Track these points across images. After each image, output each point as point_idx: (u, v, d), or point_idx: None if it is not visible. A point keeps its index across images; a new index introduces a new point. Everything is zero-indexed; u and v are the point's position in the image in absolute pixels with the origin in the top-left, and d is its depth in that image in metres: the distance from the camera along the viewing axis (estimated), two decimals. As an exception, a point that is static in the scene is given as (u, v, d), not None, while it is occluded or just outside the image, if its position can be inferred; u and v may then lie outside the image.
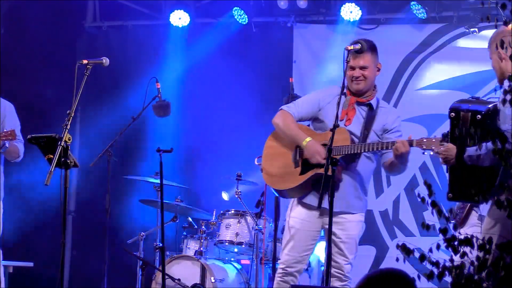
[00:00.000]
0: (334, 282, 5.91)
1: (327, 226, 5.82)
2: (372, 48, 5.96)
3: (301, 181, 5.89)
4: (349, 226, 5.88)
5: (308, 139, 5.88)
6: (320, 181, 5.61)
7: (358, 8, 9.06)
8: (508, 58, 5.06)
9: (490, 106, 5.10)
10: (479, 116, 5.04)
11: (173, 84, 9.33)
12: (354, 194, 5.92)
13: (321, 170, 5.69)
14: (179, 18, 9.64)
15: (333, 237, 5.79)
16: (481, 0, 3.95)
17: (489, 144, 4.85)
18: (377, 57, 5.98)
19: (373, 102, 5.99)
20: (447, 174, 5.24)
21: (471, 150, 5.01)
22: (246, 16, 9.46)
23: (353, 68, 5.91)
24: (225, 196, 8.67)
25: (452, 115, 5.14)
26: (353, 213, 5.91)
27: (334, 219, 5.73)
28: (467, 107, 5.13)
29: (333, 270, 5.94)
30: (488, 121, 5.02)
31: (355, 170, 5.92)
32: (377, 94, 6.05)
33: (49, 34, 9.37)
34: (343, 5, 9.11)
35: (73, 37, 9.93)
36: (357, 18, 9.11)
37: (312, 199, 5.92)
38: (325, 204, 5.73)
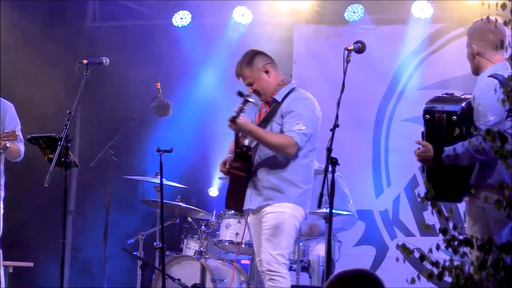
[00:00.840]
0: (265, 282, 5.92)
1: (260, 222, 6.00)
2: (248, 61, 6.07)
3: (227, 190, 6.17)
4: (267, 217, 5.93)
5: (227, 156, 6.22)
6: (235, 181, 6.05)
7: (363, 9, 9.05)
8: (481, 54, 5.16)
9: (463, 104, 5.12)
10: (454, 117, 5.06)
11: (173, 84, 9.33)
12: (270, 187, 5.95)
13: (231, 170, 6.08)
14: (180, 18, 9.64)
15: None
16: (481, 0, 3.95)
17: (466, 143, 4.89)
18: (260, 62, 6.07)
19: (278, 96, 6.05)
20: (423, 175, 5.24)
21: (448, 150, 5.02)
22: (252, 14, 9.45)
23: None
24: (213, 192, 8.65)
25: (426, 117, 5.16)
26: (271, 204, 5.93)
27: (256, 217, 5.99)
28: (441, 108, 5.14)
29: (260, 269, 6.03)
30: (464, 120, 5.05)
31: (261, 165, 6.00)
32: (288, 85, 6.08)
33: (49, 34, 9.37)
34: (350, 6, 9.11)
35: (73, 37, 9.92)
36: (358, 18, 9.10)
37: (245, 205, 6.11)
38: (247, 205, 6.02)
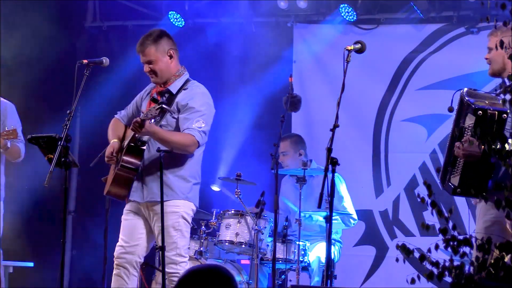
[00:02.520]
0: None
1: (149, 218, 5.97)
2: (155, 39, 6.04)
3: (110, 179, 6.06)
4: (161, 216, 5.89)
5: (112, 140, 6.11)
6: (121, 172, 5.93)
7: (351, 9, 9.05)
8: None
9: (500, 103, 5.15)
10: (505, 115, 5.08)
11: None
12: (157, 182, 5.88)
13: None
14: (178, 18, 9.63)
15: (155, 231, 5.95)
16: (481, 0, 3.95)
17: None
18: (166, 45, 6.03)
19: (173, 87, 6.02)
20: (454, 169, 5.24)
21: None
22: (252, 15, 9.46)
23: (144, 64, 6.07)
24: (215, 187, 8.64)
25: (479, 113, 5.14)
26: (164, 201, 5.88)
27: (142, 209, 5.98)
28: (487, 105, 5.15)
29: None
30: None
31: (151, 159, 5.96)
32: (183, 76, 6.07)
33: (49, 34, 9.36)
34: (341, 5, 9.10)
35: (73, 37, 9.92)
36: (353, 18, 9.09)
37: (132, 195, 6.03)
38: (134, 197, 5.98)
